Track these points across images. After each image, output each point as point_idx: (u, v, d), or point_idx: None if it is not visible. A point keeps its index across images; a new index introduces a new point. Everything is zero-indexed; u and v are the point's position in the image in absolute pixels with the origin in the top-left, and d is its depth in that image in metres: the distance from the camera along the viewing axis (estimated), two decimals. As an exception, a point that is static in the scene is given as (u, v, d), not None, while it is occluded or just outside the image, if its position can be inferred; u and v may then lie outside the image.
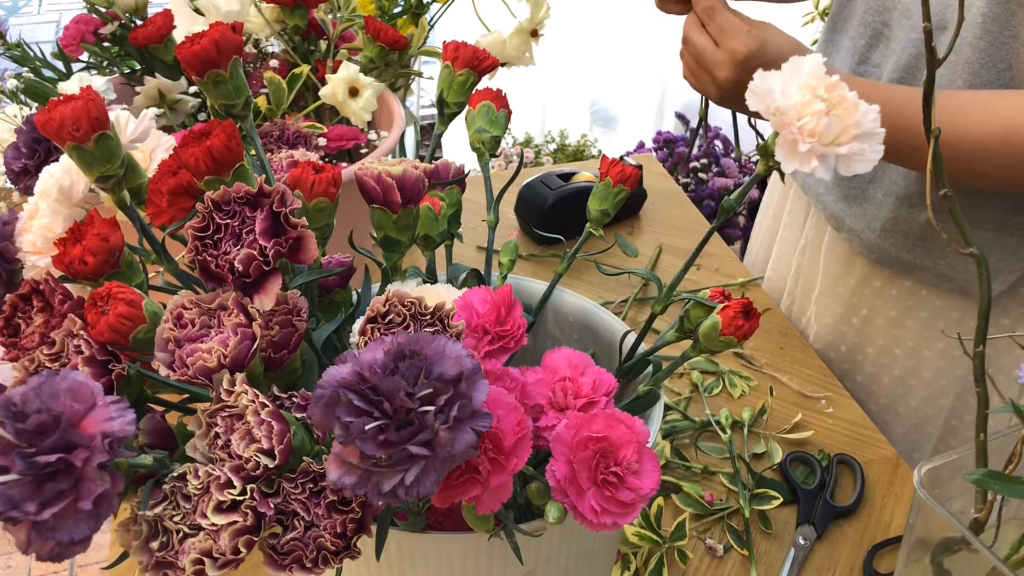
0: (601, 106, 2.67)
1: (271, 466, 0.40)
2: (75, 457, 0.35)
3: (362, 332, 0.46)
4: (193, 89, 0.93)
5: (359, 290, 0.56)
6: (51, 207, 0.50)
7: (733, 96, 0.76)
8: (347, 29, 0.97)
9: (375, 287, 0.57)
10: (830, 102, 0.47)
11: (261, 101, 0.90)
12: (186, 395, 0.49)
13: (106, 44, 0.96)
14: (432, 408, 0.36)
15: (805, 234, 1.05)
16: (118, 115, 0.51)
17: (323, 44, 0.98)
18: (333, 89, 0.88)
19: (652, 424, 0.54)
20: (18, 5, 4.33)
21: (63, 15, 4.22)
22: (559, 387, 0.48)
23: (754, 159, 2.16)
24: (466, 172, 0.60)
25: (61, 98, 0.46)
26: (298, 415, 0.44)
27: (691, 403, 0.91)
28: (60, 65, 0.95)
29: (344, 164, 0.90)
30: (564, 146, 2.42)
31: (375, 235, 0.54)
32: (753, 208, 2.14)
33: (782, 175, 0.50)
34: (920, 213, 0.85)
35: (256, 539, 0.40)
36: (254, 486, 0.40)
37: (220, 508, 0.39)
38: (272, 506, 0.41)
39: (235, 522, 0.39)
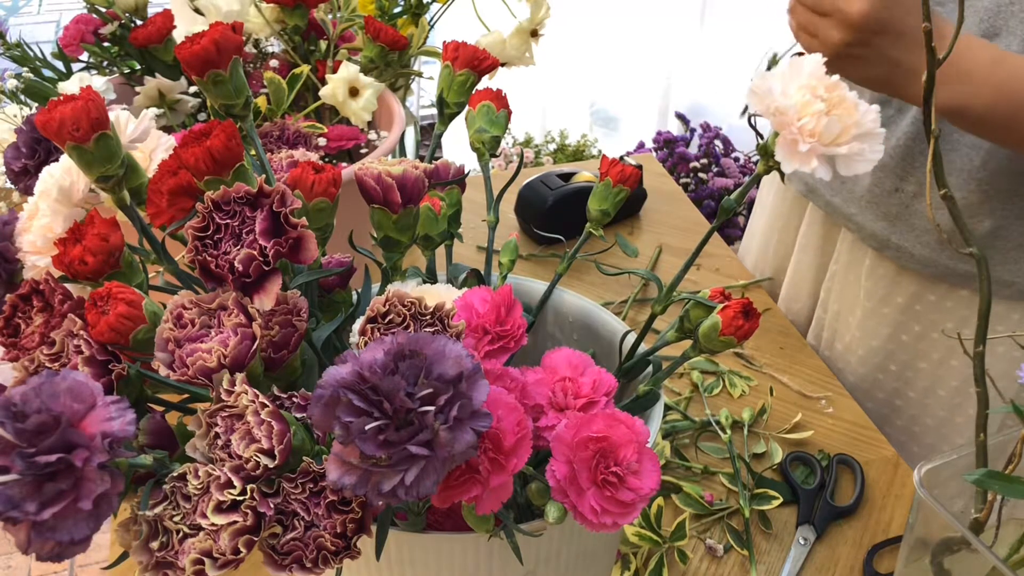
0: (601, 107, 2.66)
1: (271, 466, 0.40)
2: (75, 457, 0.35)
3: (362, 332, 0.46)
4: (193, 89, 0.93)
5: (359, 290, 0.56)
6: (51, 207, 0.50)
7: (845, 60, 0.71)
8: (347, 29, 0.97)
9: (375, 287, 0.57)
10: (830, 102, 0.47)
11: (261, 101, 0.90)
12: (186, 395, 0.49)
13: (106, 44, 0.96)
14: (432, 408, 0.36)
15: (836, 259, 1.02)
16: (118, 115, 0.51)
17: (323, 44, 0.98)
18: (333, 89, 0.88)
19: (652, 424, 0.54)
20: (18, 5, 4.33)
21: (63, 15, 4.22)
22: (559, 387, 0.48)
23: (754, 159, 2.16)
24: (466, 172, 0.60)
25: (61, 98, 0.46)
26: (298, 415, 0.44)
27: (691, 403, 0.91)
28: (60, 65, 0.95)
29: (344, 164, 0.90)
30: (564, 146, 2.42)
31: (375, 235, 0.54)
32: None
33: (782, 175, 0.50)
34: (979, 222, 0.84)
35: (256, 539, 0.40)
36: (254, 486, 0.40)
37: (220, 508, 0.40)
38: (272, 506, 0.41)
39: (235, 522, 0.39)
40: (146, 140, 0.54)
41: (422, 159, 0.59)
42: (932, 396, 0.96)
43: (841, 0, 0.68)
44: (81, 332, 0.45)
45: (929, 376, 0.96)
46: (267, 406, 0.41)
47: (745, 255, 1.22)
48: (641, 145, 2.30)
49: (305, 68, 0.91)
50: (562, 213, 1.12)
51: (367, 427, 0.36)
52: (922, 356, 0.95)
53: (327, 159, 0.89)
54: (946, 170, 0.85)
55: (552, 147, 2.43)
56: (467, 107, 0.61)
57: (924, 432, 0.98)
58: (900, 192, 0.89)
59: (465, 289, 0.53)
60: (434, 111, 0.64)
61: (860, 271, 0.99)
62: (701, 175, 2.09)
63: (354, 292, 0.56)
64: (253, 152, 0.57)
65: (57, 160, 0.52)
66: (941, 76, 0.70)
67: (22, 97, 0.89)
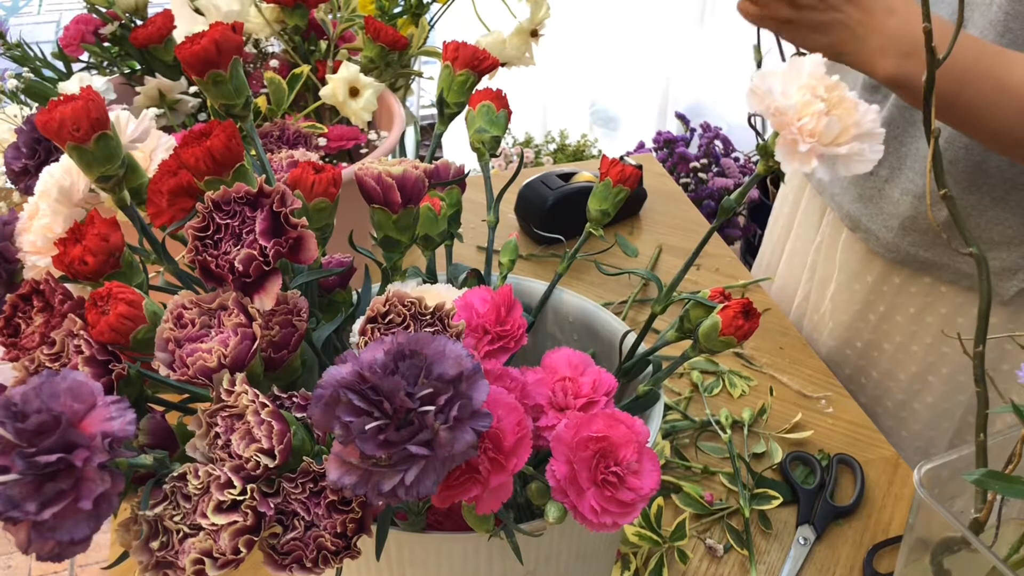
0: (601, 107, 2.66)
1: (271, 466, 0.40)
2: (75, 457, 0.35)
3: (362, 332, 0.46)
4: (193, 89, 0.93)
5: (359, 290, 0.56)
6: (51, 207, 0.50)
7: (803, 25, 0.72)
8: (347, 29, 0.97)
9: (375, 287, 0.57)
10: (830, 102, 0.47)
11: (261, 101, 0.90)
12: (186, 395, 0.49)
13: (106, 44, 0.96)
14: (432, 408, 0.36)
15: (821, 231, 1.05)
16: (118, 115, 0.51)
17: (323, 44, 0.98)
18: (333, 89, 0.88)
19: (652, 424, 0.54)
20: (18, 5, 4.33)
21: (63, 15, 4.22)
22: (559, 387, 0.48)
23: (754, 159, 2.16)
24: (466, 172, 0.60)
25: (61, 98, 0.46)
26: (298, 415, 0.44)
27: (691, 403, 0.91)
28: (60, 65, 0.95)
29: (344, 164, 0.90)
30: (564, 146, 2.42)
31: (375, 235, 0.54)
32: (753, 208, 2.14)
33: (782, 175, 0.50)
34: (939, 211, 0.84)
35: (256, 539, 0.40)
36: (254, 486, 0.40)
37: (220, 508, 0.40)
38: (272, 506, 0.41)
39: (235, 522, 0.39)
40: (146, 140, 0.54)
41: (422, 159, 0.59)
42: (892, 379, 0.97)
43: None
44: (81, 332, 0.45)
45: (890, 359, 0.97)
46: (267, 406, 0.41)
47: (763, 256, 1.23)
48: (641, 145, 2.30)
49: (305, 68, 0.91)
50: (562, 213, 1.12)
51: (367, 427, 0.36)
52: (885, 337, 0.97)
53: (327, 159, 0.89)
54: (915, 157, 0.85)
55: (552, 147, 2.43)
56: (467, 107, 0.61)
57: (884, 414, 0.99)
58: (875, 176, 0.90)
59: (465, 289, 0.53)
60: (434, 111, 0.64)
61: (837, 244, 1.01)
62: (701, 175, 2.09)
63: (354, 292, 0.56)
64: (253, 152, 0.57)
65: (57, 160, 0.52)
66: (889, 46, 0.70)
67: (22, 97, 0.89)
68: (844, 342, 1.01)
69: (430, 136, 2.61)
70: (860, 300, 0.98)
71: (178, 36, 0.91)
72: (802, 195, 1.11)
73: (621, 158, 0.72)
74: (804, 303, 1.10)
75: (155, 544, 0.40)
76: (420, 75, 1.04)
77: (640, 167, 0.61)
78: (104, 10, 0.94)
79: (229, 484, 0.40)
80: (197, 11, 0.90)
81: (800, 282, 1.11)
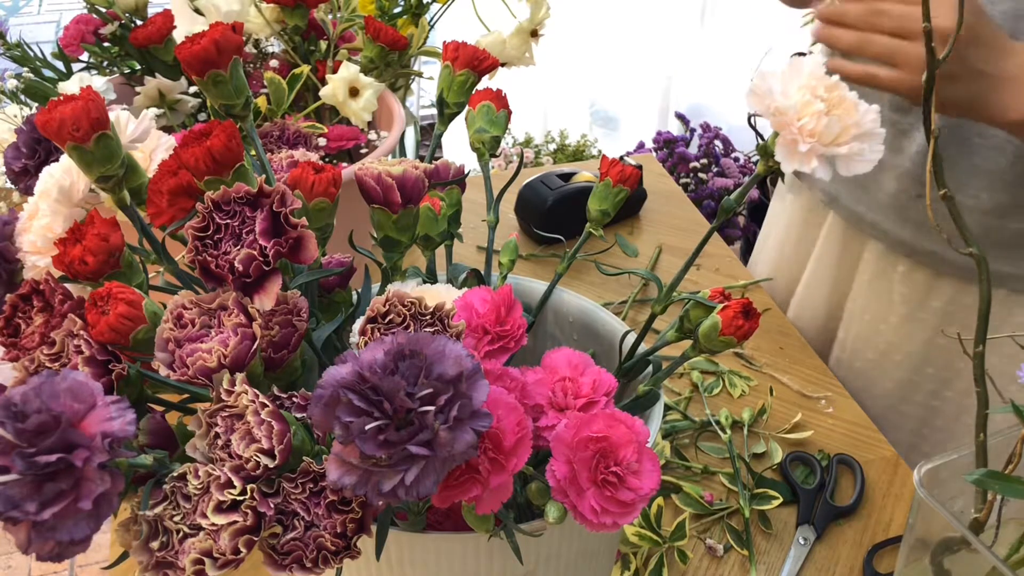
0: (601, 107, 2.67)
1: (271, 466, 0.40)
2: (75, 457, 0.35)
3: (362, 332, 0.46)
4: (193, 89, 0.93)
5: (359, 290, 0.56)
6: (51, 207, 0.50)
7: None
8: (347, 29, 0.97)
9: (375, 287, 0.57)
10: (830, 102, 0.47)
11: (261, 101, 0.90)
12: (186, 395, 0.49)
13: (106, 44, 0.96)
14: (432, 408, 0.36)
15: (862, 271, 1.00)
16: (118, 115, 0.51)
17: (323, 44, 0.98)
18: (333, 89, 0.88)
19: (652, 424, 0.54)
20: (18, 5, 4.33)
21: (63, 15, 4.22)
22: (559, 387, 0.48)
23: (754, 159, 2.16)
24: (466, 172, 0.60)
25: (61, 98, 0.46)
26: (298, 415, 0.44)
27: (691, 403, 0.91)
28: (60, 65, 0.95)
29: (344, 164, 0.90)
30: (564, 146, 2.42)
31: (375, 235, 0.54)
32: (753, 208, 2.14)
33: (782, 175, 0.50)
34: (1011, 222, 0.83)
35: (256, 539, 0.40)
36: (254, 486, 0.40)
37: (220, 508, 0.40)
38: (272, 506, 0.41)
39: (235, 522, 0.39)
40: (146, 140, 0.54)
41: (422, 159, 0.59)
42: (971, 396, 0.96)
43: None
44: (81, 332, 0.45)
45: (969, 375, 0.95)
46: (267, 406, 0.41)
47: (756, 264, 1.22)
48: (641, 145, 2.30)
49: (305, 68, 0.91)
50: (562, 213, 1.12)
51: (367, 427, 0.36)
52: (960, 356, 0.95)
53: (327, 159, 0.89)
54: (972, 173, 0.84)
55: (552, 147, 2.43)
56: (467, 107, 0.61)
57: (967, 431, 0.97)
58: (924, 198, 0.89)
59: (465, 289, 0.53)
60: (434, 111, 0.64)
61: (892, 277, 0.97)
62: (701, 175, 2.09)
63: (354, 292, 0.56)
64: (253, 152, 0.57)
65: (57, 160, 0.52)
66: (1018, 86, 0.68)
67: (22, 97, 0.89)
68: (913, 370, 0.98)
69: (430, 136, 2.61)
70: (930, 328, 0.95)
71: (178, 36, 0.91)
72: (809, 231, 1.07)
73: (621, 158, 0.72)
74: (841, 355, 1.05)
75: (155, 544, 0.40)
76: (420, 75, 1.04)
77: (640, 167, 0.61)
78: (104, 10, 0.94)
79: (229, 484, 0.40)
80: (197, 11, 0.90)
81: (822, 328, 1.07)
